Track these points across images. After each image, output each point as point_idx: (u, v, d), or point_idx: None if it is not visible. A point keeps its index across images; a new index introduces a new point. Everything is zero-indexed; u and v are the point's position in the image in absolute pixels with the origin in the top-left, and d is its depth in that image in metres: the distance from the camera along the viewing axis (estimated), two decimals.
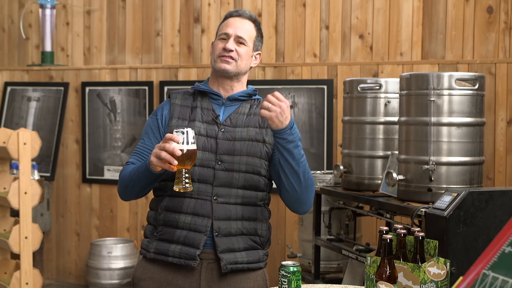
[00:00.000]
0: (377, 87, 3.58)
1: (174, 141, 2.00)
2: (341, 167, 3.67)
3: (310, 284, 2.50)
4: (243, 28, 2.27)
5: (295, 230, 4.73)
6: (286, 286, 1.83)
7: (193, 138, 2.04)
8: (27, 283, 3.68)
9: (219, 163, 2.19)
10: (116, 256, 5.00)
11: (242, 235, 2.22)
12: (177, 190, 2.03)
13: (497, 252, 1.21)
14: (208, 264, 2.20)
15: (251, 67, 2.34)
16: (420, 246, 1.90)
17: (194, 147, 2.04)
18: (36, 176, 5.03)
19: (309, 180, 2.20)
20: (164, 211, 2.22)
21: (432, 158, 3.05)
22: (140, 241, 5.20)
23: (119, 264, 4.98)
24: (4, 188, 3.77)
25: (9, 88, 5.69)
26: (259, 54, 2.35)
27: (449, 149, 3.07)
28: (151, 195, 2.33)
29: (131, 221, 5.31)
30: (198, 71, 5.10)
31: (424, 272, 1.84)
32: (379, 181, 3.49)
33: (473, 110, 3.09)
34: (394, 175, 3.17)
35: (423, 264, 1.85)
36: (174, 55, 5.23)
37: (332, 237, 3.84)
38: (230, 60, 2.24)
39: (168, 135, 2.02)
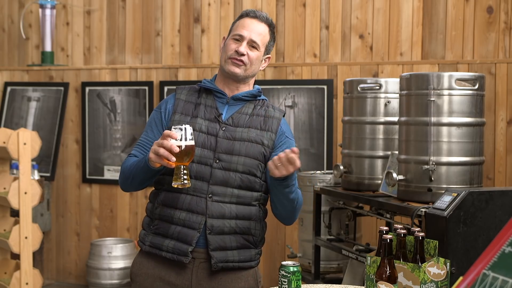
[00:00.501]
0: (377, 87, 3.58)
1: (172, 138, 2.02)
2: (341, 167, 3.67)
3: (310, 284, 2.50)
4: (258, 31, 2.27)
5: (295, 230, 4.73)
6: (286, 286, 1.83)
7: (191, 134, 2.06)
8: (27, 283, 3.68)
9: (217, 161, 2.21)
10: (116, 256, 5.00)
11: (235, 234, 2.23)
12: (175, 186, 2.06)
13: (497, 252, 1.21)
14: (200, 263, 2.22)
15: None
16: (420, 246, 1.90)
17: (192, 143, 2.06)
18: (36, 176, 5.03)
19: (299, 203, 2.28)
20: (161, 206, 2.25)
21: (432, 158, 3.05)
22: None
23: (119, 264, 4.98)
24: (4, 188, 3.77)
25: (9, 88, 5.69)
26: (269, 57, 2.36)
27: (449, 149, 3.07)
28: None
29: (131, 221, 5.31)
30: (198, 71, 5.10)
31: (424, 272, 1.84)
32: (379, 181, 3.49)
33: (473, 110, 3.09)
34: (394, 175, 3.17)
35: (423, 264, 1.85)
36: (174, 55, 5.23)
37: (332, 237, 3.84)
38: (240, 63, 2.25)
39: (166, 131, 2.04)
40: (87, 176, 5.43)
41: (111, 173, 5.34)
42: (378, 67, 4.62)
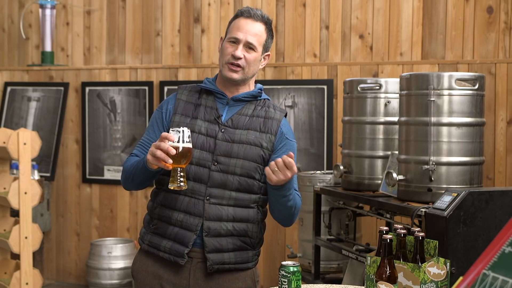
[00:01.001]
0: (377, 87, 3.58)
1: (170, 140, 2.03)
2: (341, 167, 3.67)
3: (310, 284, 2.50)
4: (254, 32, 2.24)
5: (295, 230, 4.73)
6: (286, 286, 1.83)
7: (189, 137, 2.07)
8: (27, 283, 3.68)
9: (215, 163, 2.20)
10: (116, 256, 5.00)
11: (232, 236, 2.23)
12: (171, 188, 2.07)
13: (497, 252, 1.21)
14: (198, 263, 2.23)
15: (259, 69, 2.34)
16: (420, 246, 1.90)
17: (189, 146, 2.06)
18: (36, 176, 5.03)
19: (297, 209, 2.29)
20: (160, 206, 2.27)
21: (432, 158, 3.05)
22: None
23: (119, 264, 4.98)
24: (4, 188, 3.77)
25: (9, 88, 5.69)
26: (268, 55, 2.34)
27: (449, 149, 3.07)
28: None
29: (131, 221, 5.31)
30: (198, 71, 5.10)
31: (424, 272, 1.84)
32: (379, 181, 3.49)
33: (473, 110, 3.09)
34: (394, 175, 3.17)
35: (423, 264, 1.85)
36: (174, 55, 5.23)
37: (332, 237, 3.84)
38: (238, 68, 2.23)
39: (164, 134, 2.05)
40: (87, 176, 5.43)
41: (111, 173, 5.34)
42: (378, 67, 4.62)
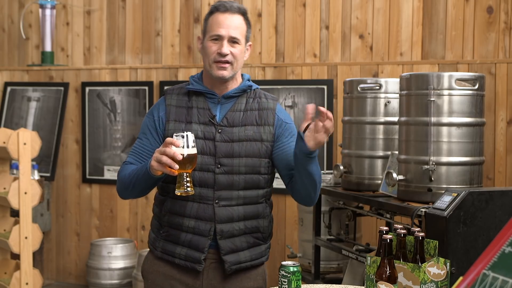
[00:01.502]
0: (377, 87, 3.58)
1: (175, 145, 1.99)
2: (341, 167, 3.67)
3: (310, 284, 2.50)
4: (235, 25, 2.20)
5: (295, 230, 4.73)
6: (286, 286, 1.83)
7: (193, 141, 2.04)
8: (27, 283, 3.67)
9: (219, 166, 2.18)
10: (116, 256, 5.00)
11: (245, 235, 2.24)
12: (178, 194, 2.04)
13: (497, 252, 1.21)
14: (211, 263, 2.23)
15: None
16: (420, 246, 1.90)
17: (194, 151, 2.04)
18: (36, 176, 5.03)
19: (320, 180, 2.21)
20: (169, 213, 2.23)
21: (432, 158, 3.05)
22: (140, 241, 5.21)
23: (119, 264, 4.98)
24: (4, 188, 3.77)
25: (9, 88, 5.69)
26: (250, 45, 2.30)
27: (449, 149, 3.07)
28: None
29: (131, 221, 5.31)
30: (198, 71, 5.08)
31: (424, 272, 1.84)
32: (379, 181, 3.49)
33: (473, 110, 3.09)
34: (394, 175, 3.17)
35: (423, 264, 1.85)
36: (174, 55, 5.23)
37: (332, 237, 3.84)
38: (226, 65, 2.20)
39: (168, 139, 2.01)
40: (87, 176, 5.43)
41: (111, 173, 5.34)
42: (378, 67, 4.62)
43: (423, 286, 1.84)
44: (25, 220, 3.64)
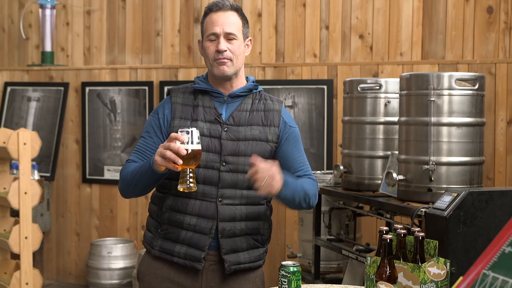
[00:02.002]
0: (377, 87, 3.58)
1: (179, 141, 1.98)
2: (341, 167, 3.67)
3: (310, 284, 2.50)
4: (229, 22, 2.20)
5: (295, 230, 4.73)
6: (286, 286, 1.83)
7: (198, 138, 2.03)
8: (27, 283, 3.67)
9: (224, 164, 2.18)
10: (116, 256, 5.00)
11: (246, 235, 2.23)
12: (181, 190, 2.02)
13: (497, 252, 1.21)
14: (210, 265, 2.21)
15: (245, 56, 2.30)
16: (420, 246, 1.90)
17: (199, 147, 2.03)
18: (36, 176, 5.03)
19: (310, 195, 2.23)
20: (169, 210, 2.21)
21: (432, 158, 3.05)
22: (140, 241, 5.20)
23: (119, 264, 4.98)
24: (4, 188, 3.77)
25: (9, 88, 5.69)
26: (250, 40, 2.31)
27: (449, 149, 3.07)
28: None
29: (131, 221, 5.31)
30: (198, 71, 5.10)
31: (424, 272, 1.84)
32: (379, 181, 3.49)
33: (473, 110, 3.09)
34: (394, 175, 3.17)
35: (423, 264, 1.85)
36: (174, 55, 5.23)
37: (332, 237, 3.84)
38: (226, 60, 2.20)
39: (173, 134, 2.00)
40: (87, 176, 5.43)
41: (111, 173, 5.34)
42: (378, 67, 4.62)
43: (423, 286, 1.84)
44: (25, 220, 3.64)
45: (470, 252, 2.76)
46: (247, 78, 2.34)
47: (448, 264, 1.89)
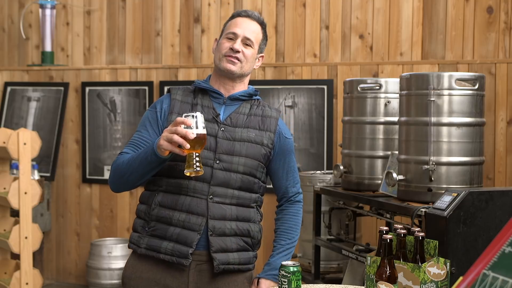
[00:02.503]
0: (377, 87, 3.58)
1: (186, 125, 1.99)
2: (341, 167, 3.67)
3: (310, 284, 2.50)
4: (251, 29, 2.26)
5: None
6: (286, 286, 1.83)
7: (203, 122, 2.03)
8: (27, 283, 3.68)
9: (218, 162, 2.18)
10: (116, 256, 5.00)
11: (236, 236, 2.22)
12: (188, 174, 2.01)
13: (497, 252, 1.21)
14: (197, 265, 2.19)
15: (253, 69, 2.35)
16: (420, 246, 1.90)
17: (204, 131, 2.03)
18: (36, 176, 5.03)
19: (297, 235, 2.45)
20: (158, 207, 2.19)
21: (432, 158, 3.05)
22: None
23: (119, 264, 4.98)
24: (4, 188, 3.77)
25: (9, 88, 5.69)
26: (262, 56, 2.35)
27: (449, 149, 3.07)
28: (140, 189, 2.30)
29: (131, 221, 5.30)
30: (198, 71, 5.10)
31: (424, 272, 1.84)
32: (379, 181, 3.49)
33: (473, 110, 3.09)
34: (394, 175, 3.17)
35: (423, 264, 1.85)
36: (174, 55, 5.23)
37: (332, 237, 3.84)
38: (236, 61, 2.22)
39: (179, 118, 2.00)
40: (87, 176, 5.43)
41: None
42: (378, 67, 4.62)
43: (423, 286, 1.84)
44: (25, 220, 3.64)
45: (470, 252, 2.76)
46: (248, 87, 2.37)
47: (448, 264, 1.90)
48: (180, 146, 2.00)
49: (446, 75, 3.07)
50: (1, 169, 3.80)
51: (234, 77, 2.26)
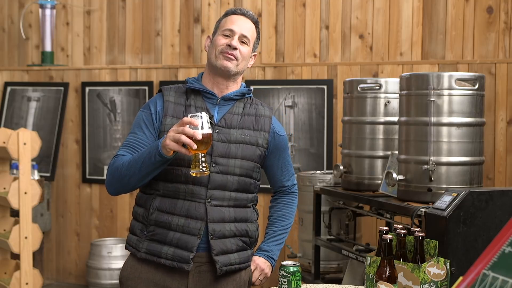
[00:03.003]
0: (377, 87, 3.58)
1: (193, 125, 1.98)
2: (341, 167, 3.67)
3: (310, 284, 2.50)
4: (247, 27, 2.25)
5: (295, 230, 4.73)
6: (286, 286, 1.83)
7: (208, 122, 2.03)
8: (27, 283, 3.68)
9: (214, 165, 2.17)
10: (116, 256, 5.00)
11: (235, 237, 2.22)
12: (193, 174, 2.01)
13: (497, 252, 1.21)
14: (197, 267, 2.18)
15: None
16: (420, 246, 1.90)
17: (210, 131, 2.03)
18: (36, 176, 5.03)
19: (291, 223, 2.54)
20: (156, 211, 2.18)
21: (432, 158, 3.05)
22: None
23: (119, 264, 4.97)
24: (4, 188, 3.77)
25: (9, 88, 5.69)
26: (255, 55, 2.34)
27: (449, 149, 3.07)
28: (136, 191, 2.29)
29: None
30: (198, 71, 5.10)
31: (424, 272, 1.84)
32: (379, 181, 3.49)
33: (473, 110, 3.09)
34: (394, 175, 3.17)
35: (423, 264, 1.85)
36: (174, 55, 5.23)
37: (332, 237, 3.84)
38: (232, 58, 2.21)
39: (186, 119, 2.00)
40: (87, 176, 5.43)
41: None
42: (378, 67, 4.62)
43: (423, 286, 1.84)
44: (25, 220, 3.64)
45: (470, 252, 2.77)
46: (241, 84, 2.36)
47: (448, 264, 1.90)
48: (185, 146, 1.99)
49: (446, 75, 3.07)
50: (1, 169, 3.80)
51: (229, 76, 2.24)
